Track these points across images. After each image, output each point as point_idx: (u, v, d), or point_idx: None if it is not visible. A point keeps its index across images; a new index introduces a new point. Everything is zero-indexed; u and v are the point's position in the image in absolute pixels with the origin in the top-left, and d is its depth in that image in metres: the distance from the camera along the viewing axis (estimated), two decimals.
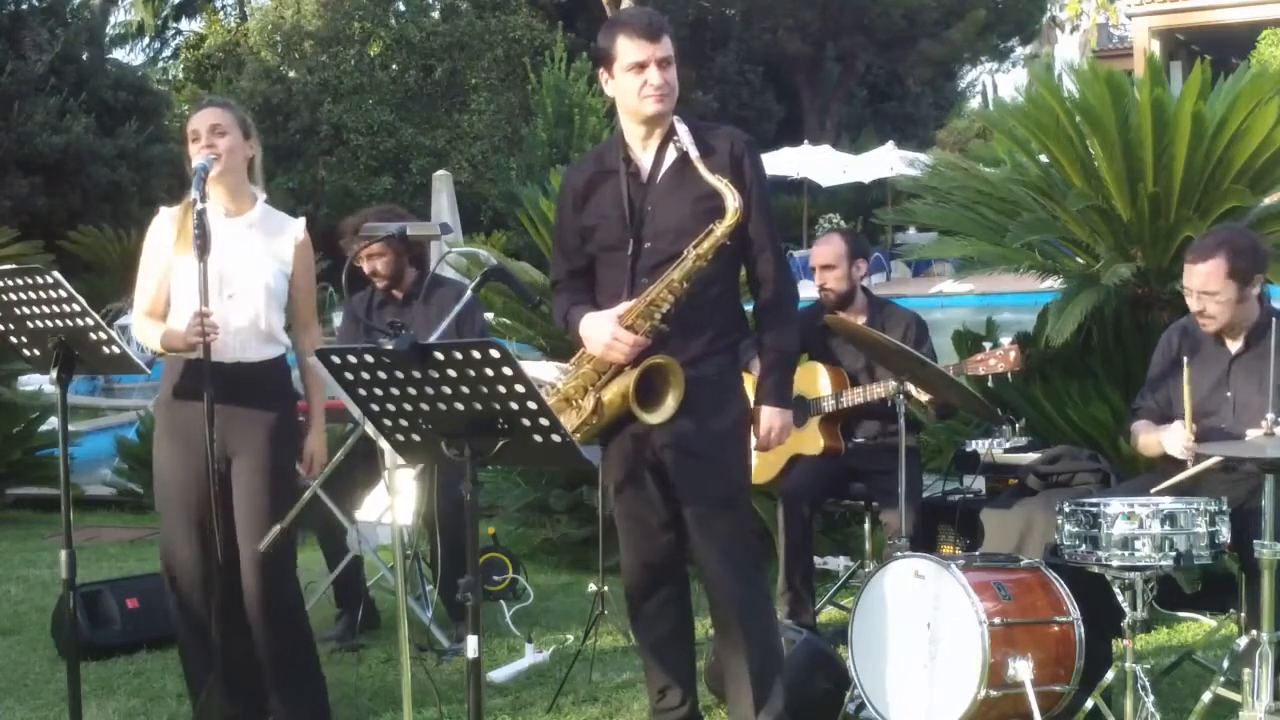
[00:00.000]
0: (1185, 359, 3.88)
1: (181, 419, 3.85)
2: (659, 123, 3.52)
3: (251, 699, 3.97)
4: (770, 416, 3.62)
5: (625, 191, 3.57)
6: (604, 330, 3.48)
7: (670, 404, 3.47)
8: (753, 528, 3.74)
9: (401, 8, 27.83)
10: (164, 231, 3.95)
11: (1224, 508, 3.58)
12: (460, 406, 2.82)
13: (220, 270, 3.74)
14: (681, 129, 3.48)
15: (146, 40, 36.17)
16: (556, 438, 2.83)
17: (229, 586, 3.81)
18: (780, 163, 23.10)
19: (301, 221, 4.04)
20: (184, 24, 35.63)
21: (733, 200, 3.41)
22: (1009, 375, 4.73)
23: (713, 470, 3.54)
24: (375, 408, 2.94)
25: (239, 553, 3.84)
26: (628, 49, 3.48)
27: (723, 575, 3.56)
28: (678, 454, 3.54)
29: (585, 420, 3.53)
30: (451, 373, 2.77)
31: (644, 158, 3.59)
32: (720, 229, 3.42)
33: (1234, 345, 4.02)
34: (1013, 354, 4.60)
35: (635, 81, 3.48)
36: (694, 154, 3.44)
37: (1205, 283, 3.91)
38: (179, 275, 3.87)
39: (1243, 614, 3.90)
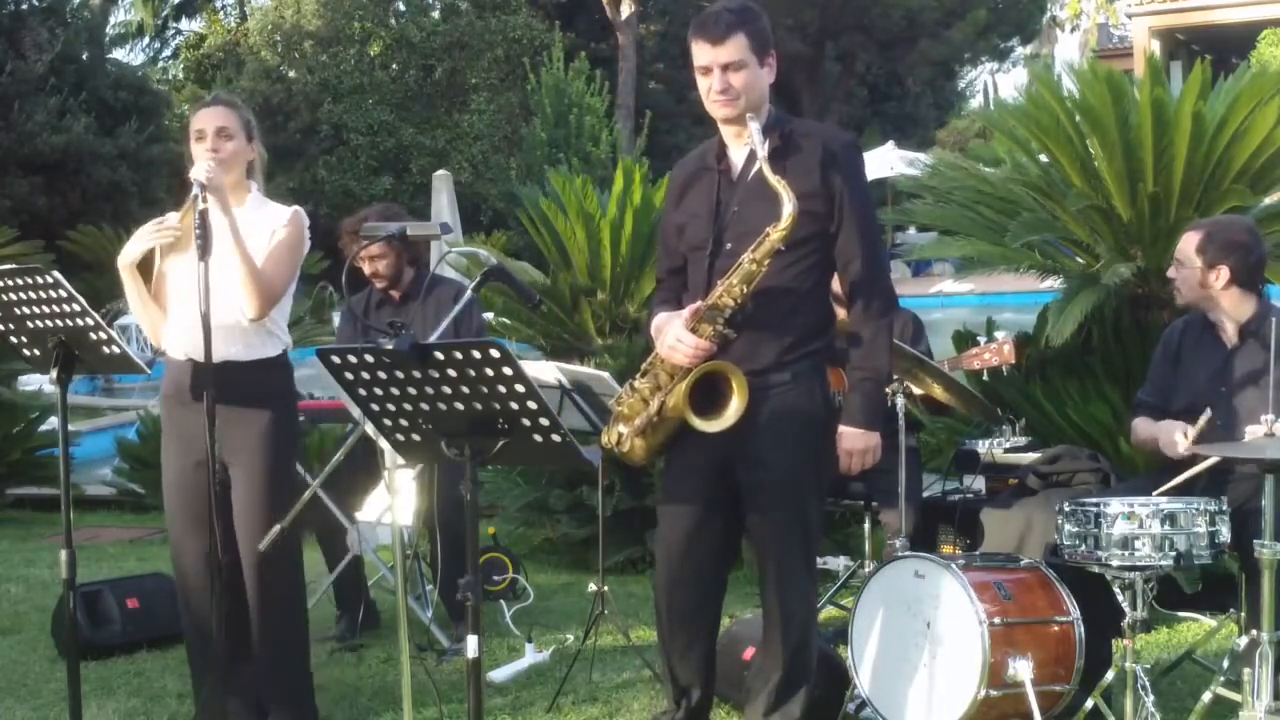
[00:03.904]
0: (1209, 409, 3.85)
1: (175, 418, 3.88)
2: (740, 123, 3.42)
3: (252, 699, 3.97)
4: (852, 438, 3.48)
5: (715, 190, 3.50)
6: (668, 332, 3.41)
7: (731, 412, 3.36)
8: (814, 541, 3.60)
9: (401, 8, 27.84)
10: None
11: (1224, 508, 3.58)
12: (460, 406, 2.82)
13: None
14: (753, 126, 3.35)
15: (146, 40, 36.21)
16: (556, 438, 2.83)
17: (230, 587, 3.81)
18: None
19: (288, 211, 3.92)
20: (184, 24, 35.69)
21: (788, 204, 3.28)
22: (1004, 370, 4.74)
23: (777, 481, 3.44)
24: (375, 408, 2.94)
25: (239, 554, 3.83)
26: (695, 52, 3.42)
27: (775, 586, 3.51)
28: (744, 463, 3.45)
29: (649, 422, 3.47)
30: (451, 372, 2.77)
31: (736, 156, 3.51)
32: (775, 234, 3.30)
33: (1231, 339, 4.03)
34: (1006, 347, 4.60)
35: (704, 84, 3.42)
36: (761, 153, 3.32)
37: (1179, 249, 4.08)
38: (170, 277, 3.88)
39: (1243, 614, 3.90)
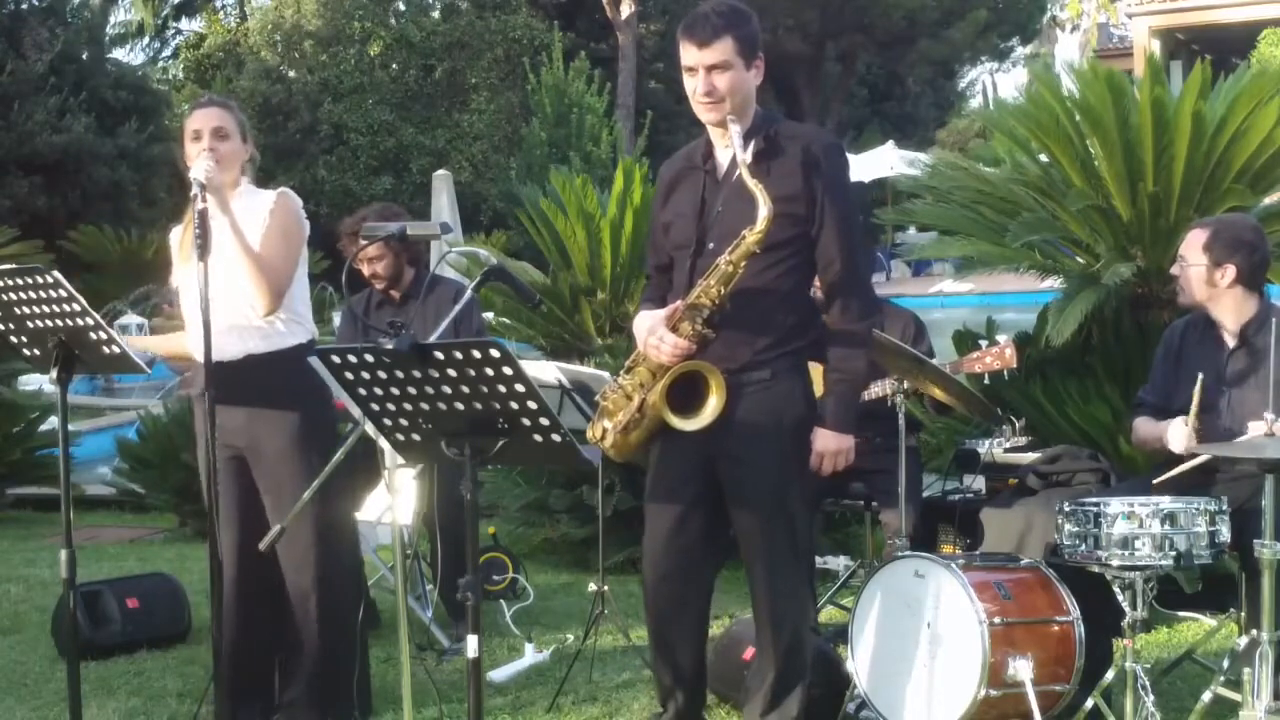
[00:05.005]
0: (1200, 374, 3.86)
1: (200, 417, 3.88)
2: (724, 125, 3.41)
3: (255, 698, 3.97)
4: (825, 439, 3.48)
5: (701, 190, 3.51)
6: (649, 330, 3.43)
7: (708, 411, 3.39)
8: (801, 538, 3.59)
9: (401, 7, 27.86)
10: (171, 252, 4.00)
11: (1224, 508, 3.58)
12: (460, 406, 2.82)
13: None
14: (734, 130, 3.35)
15: (146, 40, 36.19)
16: (556, 437, 2.83)
17: (258, 587, 3.82)
18: None
19: (272, 195, 3.90)
20: (184, 24, 35.69)
21: (763, 207, 3.28)
22: (1005, 374, 4.73)
23: (758, 478, 3.45)
24: (375, 407, 2.94)
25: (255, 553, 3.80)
26: (683, 52, 3.41)
27: (763, 584, 3.51)
28: (725, 460, 3.46)
29: (631, 419, 3.48)
30: (451, 372, 2.77)
31: (722, 157, 3.51)
32: (751, 236, 3.31)
33: (1230, 340, 4.03)
34: (1008, 351, 4.59)
35: (690, 84, 3.42)
36: (740, 156, 3.33)
37: (1185, 247, 4.06)
38: (184, 285, 3.89)
39: (1243, 614, 3.90)
